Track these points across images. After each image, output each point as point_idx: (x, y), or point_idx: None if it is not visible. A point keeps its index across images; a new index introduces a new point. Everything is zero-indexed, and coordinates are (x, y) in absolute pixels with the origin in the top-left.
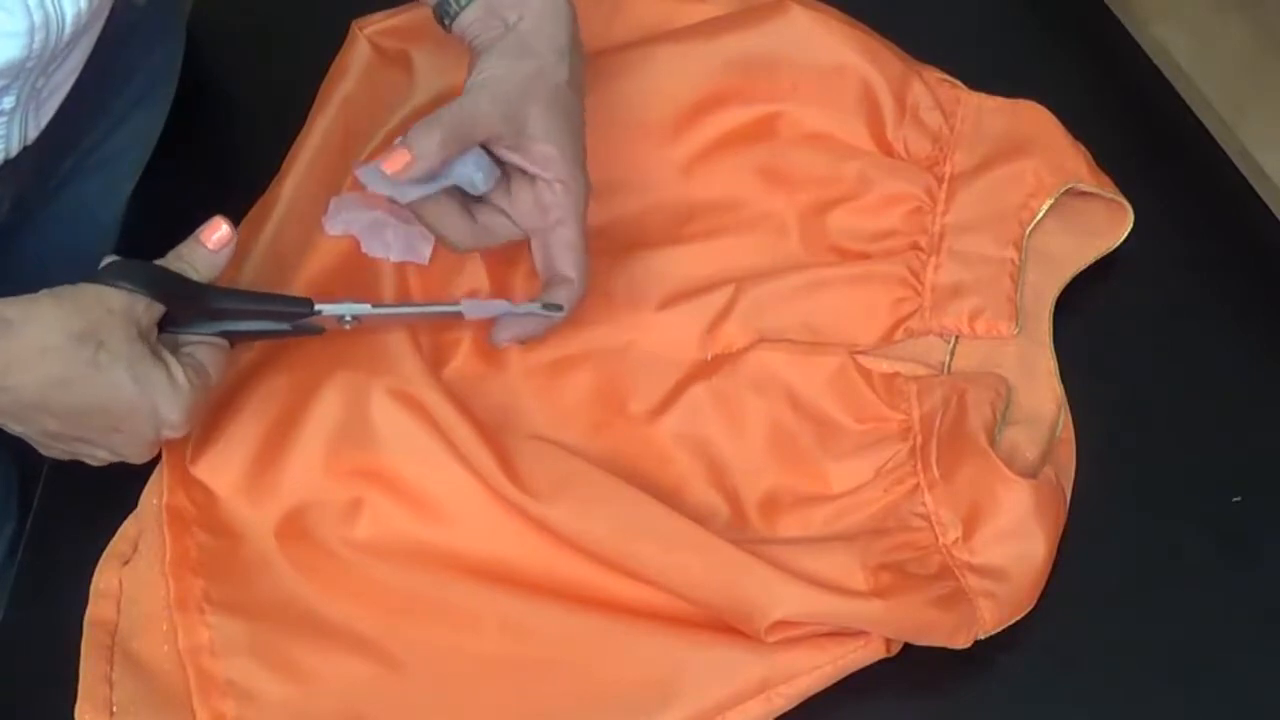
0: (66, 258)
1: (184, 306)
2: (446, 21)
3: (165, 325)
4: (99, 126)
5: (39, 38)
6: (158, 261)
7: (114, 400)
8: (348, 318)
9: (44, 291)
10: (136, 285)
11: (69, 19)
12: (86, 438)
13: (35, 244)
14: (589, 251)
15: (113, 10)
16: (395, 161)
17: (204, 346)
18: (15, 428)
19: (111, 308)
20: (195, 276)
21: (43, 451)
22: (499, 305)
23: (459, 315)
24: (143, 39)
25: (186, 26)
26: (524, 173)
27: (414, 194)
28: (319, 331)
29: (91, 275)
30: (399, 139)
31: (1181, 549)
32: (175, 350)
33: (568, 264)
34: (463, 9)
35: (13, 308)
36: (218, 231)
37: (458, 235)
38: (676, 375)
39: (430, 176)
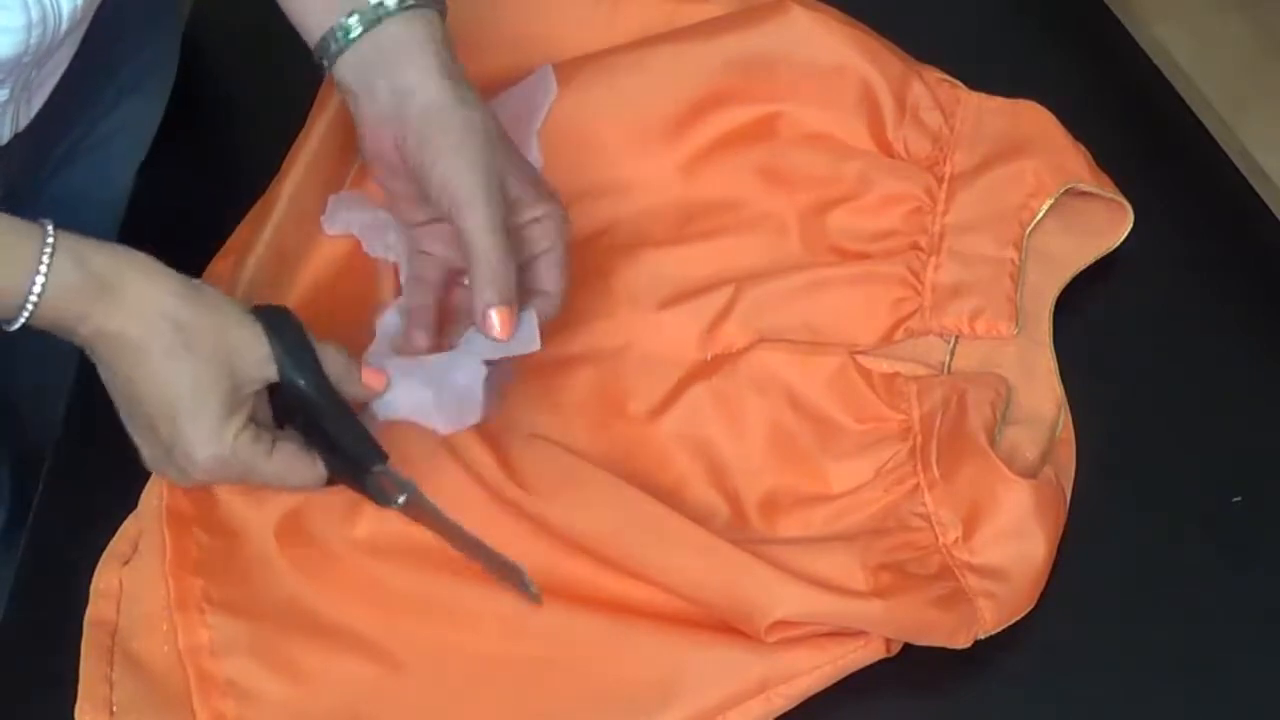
0: None
1: (295, 390)
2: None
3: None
4: (90, 114)
5: (36, 33)
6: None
7: (144, 391)
8: (401, 499)
9: (183, 280)
10: (271, 334)
11: (65, 14)
12: (137, 422)
13: None
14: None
15: (103, 1)
16: (507, 320)
17: (293, 445)
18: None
19: (217, 351)
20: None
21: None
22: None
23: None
24: (133, 28)
25: (186, 27)
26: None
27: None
28: (381, 499)
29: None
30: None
31: (1181, 549)
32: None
33: (550, 280)
34: (334, 60)
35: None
36: (378, 384)
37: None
38: (676, 375)
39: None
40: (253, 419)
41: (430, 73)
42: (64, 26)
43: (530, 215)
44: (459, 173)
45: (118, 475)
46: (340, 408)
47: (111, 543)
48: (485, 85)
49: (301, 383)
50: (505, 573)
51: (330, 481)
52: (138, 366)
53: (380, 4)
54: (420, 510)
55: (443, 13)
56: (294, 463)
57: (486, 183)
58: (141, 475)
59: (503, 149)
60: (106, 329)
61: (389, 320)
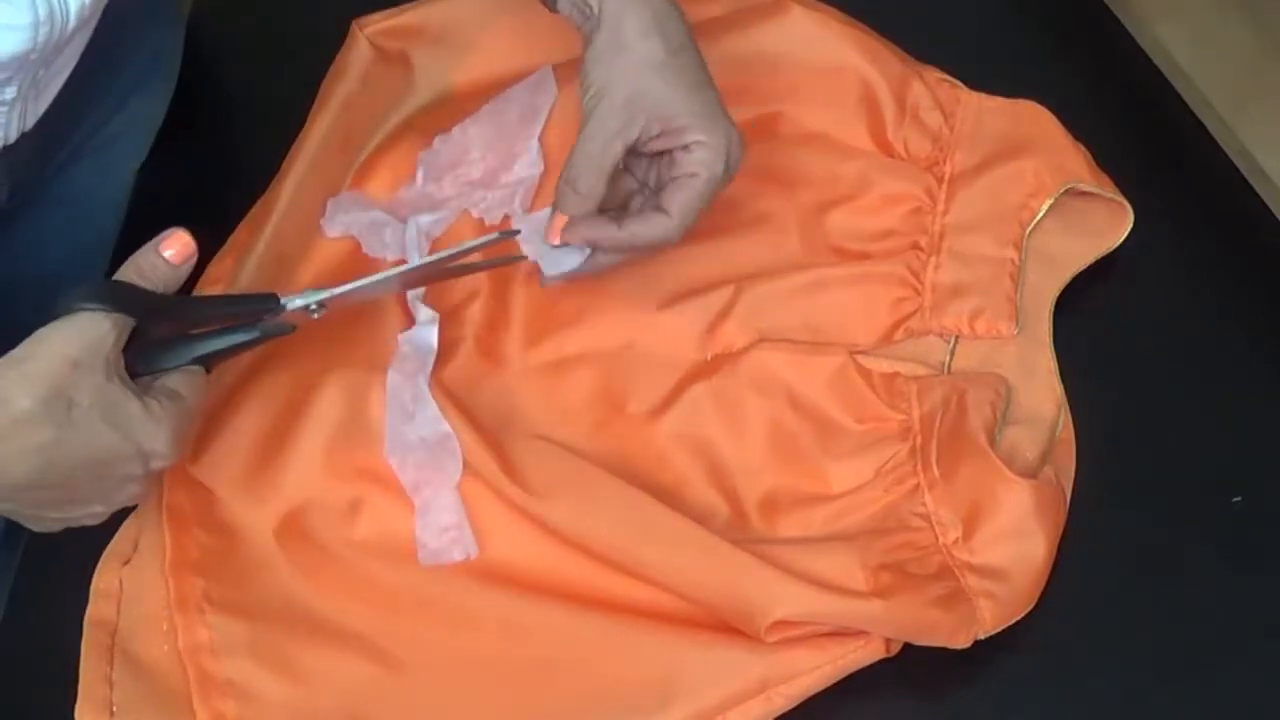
0: (65, 243)
1: (150, 323)
2: (550, 4)
3: (134, 355)
4: (96, 111)
5: (44, 31)
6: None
7: (97, 451)
8: (313, 305)
9: (2, 360)
10: (101, 304)
11: (73, 12)
12: (78, 497)
13: (34, 230)
14: (703, 211)
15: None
16: (556, 225)
17: (176, 374)
18: (3, 506)
19: (73, 357)
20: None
21: (33, 527)
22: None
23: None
24: (138, 24)
25: (187, 27)
26: (667, 151)
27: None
28: (290, 330)
29: (52, 309)
30: (550, 207)
31: (1182, 549)
32: (149, 388)
33: (673, 202)
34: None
35: None
36: (179, 244)
37: (611, 245)
38: (676, 375)
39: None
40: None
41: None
42: (71, 24)
43: (689, 139)
44: (684, 112)
45: None
46: (194, 300)
47: (111, 543)
48: (488, 83)
49: (140, 302)
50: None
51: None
52: (51, 460)
53: None
54: (343, 299)
55: None
56: (195, 383)
57: (609, 102)
58: None
59: (671, 75)
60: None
61: None
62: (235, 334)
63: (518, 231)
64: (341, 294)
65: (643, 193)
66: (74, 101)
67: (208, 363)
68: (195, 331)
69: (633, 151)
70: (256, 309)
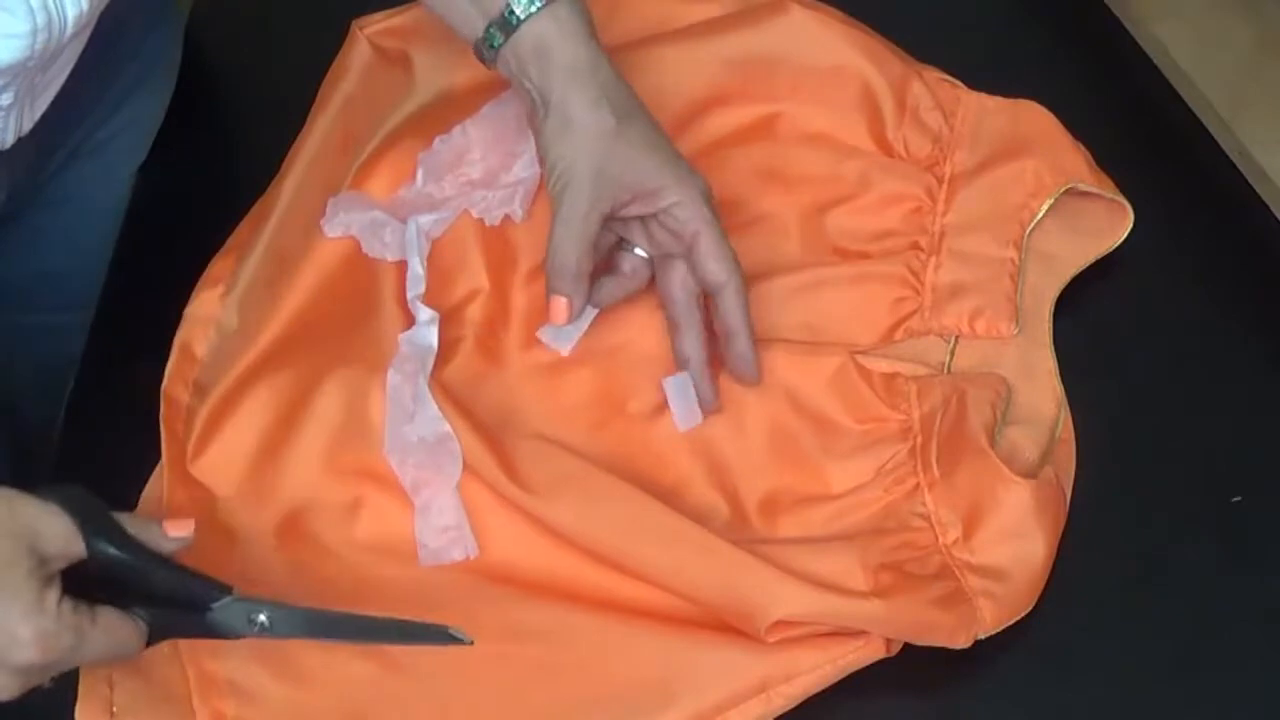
0: (64, 244)
1: (105, 558)
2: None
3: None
4: (93, 114)
5: (41, 39)
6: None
7: None
8: (262, 620)
9: None
10: (67, 509)
11: (70, 20)
12: None
13: (32, 232)
14: (732, 247)
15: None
16: (559, 310)
17: (113, 611)
18: None
19: (12, 528)
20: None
21: None
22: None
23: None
24: (135, 29)
25: (186, 27)
26: (649, 216)
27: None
28: (231, 633)
29: (32, 488)
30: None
31: (1182, 549)
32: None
33: (719, 271)
34: (493, 63)
35: None
36: (184, 530)
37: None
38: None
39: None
40: (66, 593)
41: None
42: (69, 31)
43: (667, 201)
44: (651, 175)
45: (118, 475)
46: (158, 561)
47: None
48: (488, 83)
49: (112, 549)
50: (431, 635)
51: (152, 640)
52: None
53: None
54: (288, 624)
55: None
56: (119, 627)
57: (576, 180)
58: (141, 475)
59: (629, 141)
60: None
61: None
62: (179, 617)
63: None
64: (290, 617)
65: (624, 247)
66: (71, 105)
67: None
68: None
69: (608, 219)
70: (205, 595)
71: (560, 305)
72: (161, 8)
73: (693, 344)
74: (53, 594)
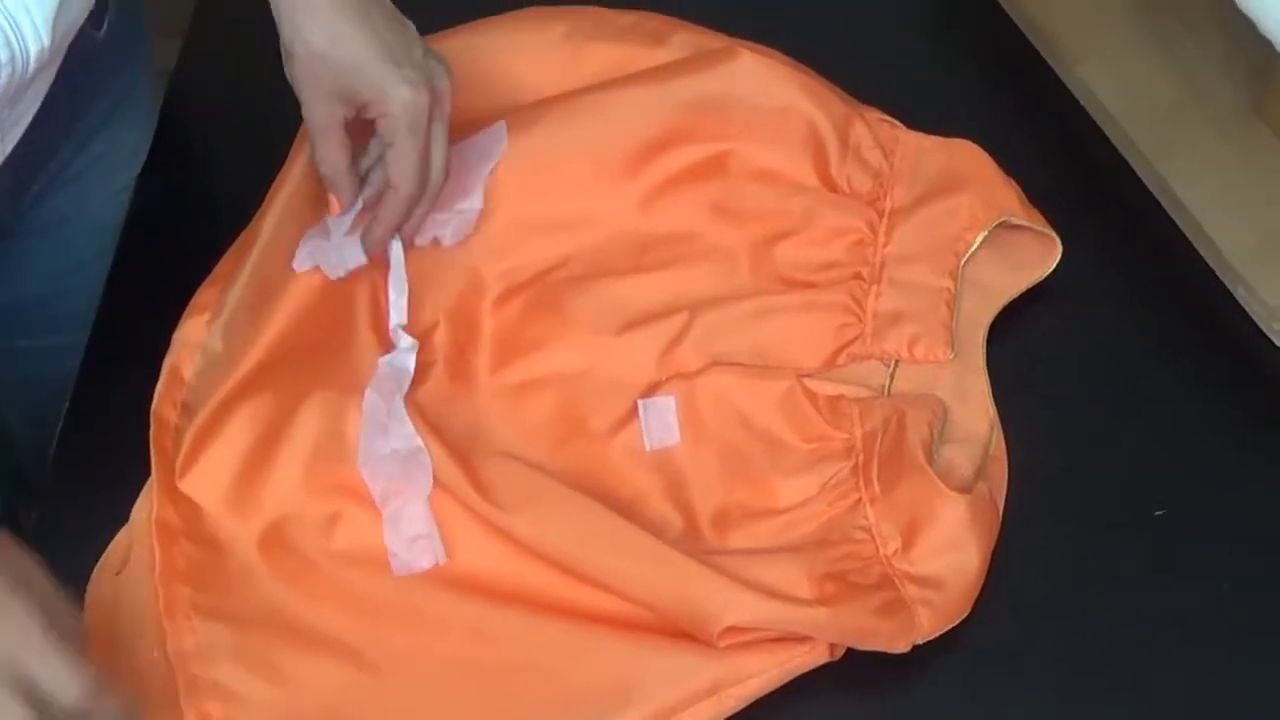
0: (47, 271)
1: None
2: None
3: None
4: (65, 148)
5: (4, 74)
6: None
7: None
8: None
9: None
10: None
11: (33, 55)
12: None
13: (14, 259)
14: (429, 159)
15: (75, 39)
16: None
17: None
18: None
19: None
20: None
21: None
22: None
23: None
24: (106, 63)
25: (177, 60)
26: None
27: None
28: None
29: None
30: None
31: (1107, 558)
32: None
33: (394, 174)
34: None
35: None
36: None
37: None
38: (634, 396)
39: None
40: None
41: None
42: (32, 67)
43: (377, 113)
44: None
45: (110, 492)
46: None
47: (105, 554)
48: (458, 121)
49: None
50: None
51: None
52: None
53: None
54: None
55: None
56: None
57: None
58: (132, 491)
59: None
60: None
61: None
62: None
63: None
64: None
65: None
66: (42, 141)
67: None
68: None
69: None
70: None
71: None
72: (129, 47)
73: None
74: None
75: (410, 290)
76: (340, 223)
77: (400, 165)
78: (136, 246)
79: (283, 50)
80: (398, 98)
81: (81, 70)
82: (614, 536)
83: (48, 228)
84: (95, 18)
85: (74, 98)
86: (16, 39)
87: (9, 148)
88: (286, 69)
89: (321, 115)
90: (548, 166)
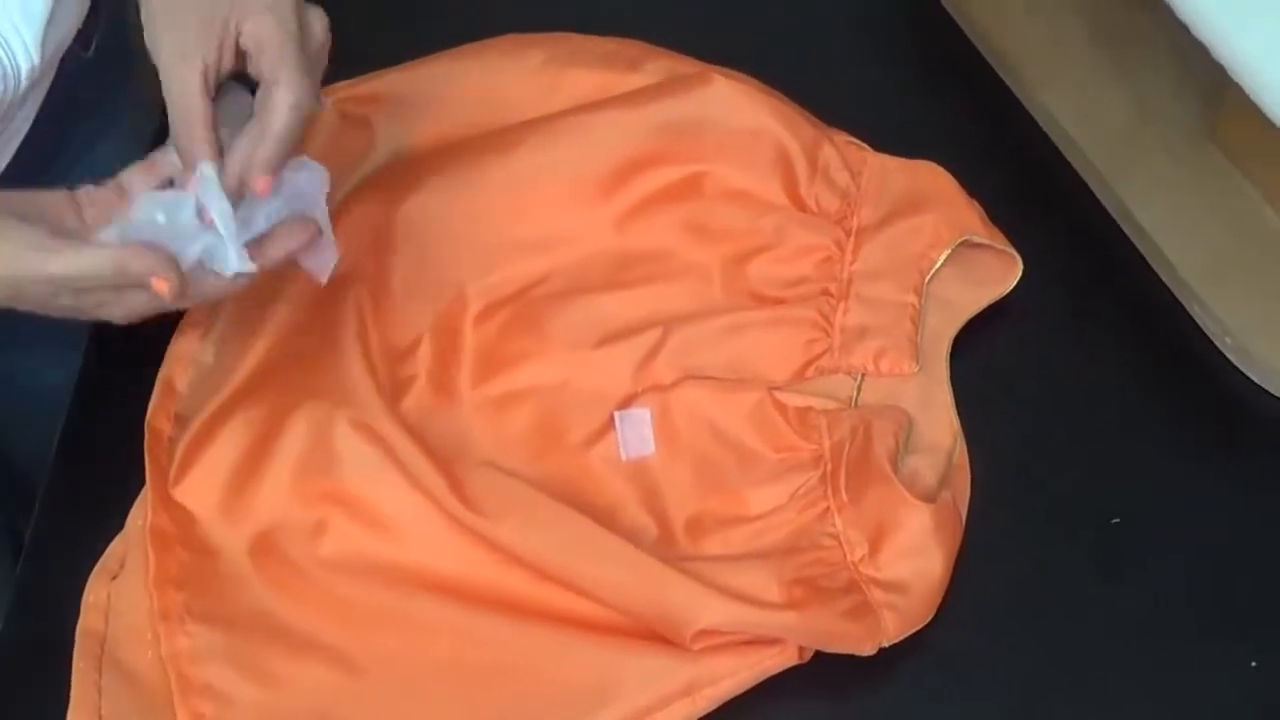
0: None
1: None
2: None
3: None
4: (56, 164)
5: None
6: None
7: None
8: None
9: None
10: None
11: (24, 73)
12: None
13: None
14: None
15: (63, 59)
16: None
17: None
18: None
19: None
20: None
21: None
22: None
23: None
24: (94, 83)
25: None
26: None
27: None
28: None
29: None
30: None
31: (1065, 565)
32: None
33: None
34: None
35: None
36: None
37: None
38: (611, 408)
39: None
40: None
41: None
42: (23, 84)
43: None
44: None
45: (106, 500)
46: None
47: (101, 560)
48: (437, 141)
49: None
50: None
51: None
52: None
53: None
54: None
55: None
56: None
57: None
58: (127, 501)
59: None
60: None
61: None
62: None
63: None
64: None
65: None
66: (32, 157)
67: None
68: None
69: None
70: None
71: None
72: (116, 67)
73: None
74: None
75: (396, 305)
76: (179, 205)
77: (283, 83)
78: None
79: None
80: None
81: (70, 90)
82: (592, 543)
83: None
84: (84, 38)
85: (63, 118)
86: (7, 57)
87: (2, 165)
88: (145, 27)
89: (180, 55)
90: (528, 187)
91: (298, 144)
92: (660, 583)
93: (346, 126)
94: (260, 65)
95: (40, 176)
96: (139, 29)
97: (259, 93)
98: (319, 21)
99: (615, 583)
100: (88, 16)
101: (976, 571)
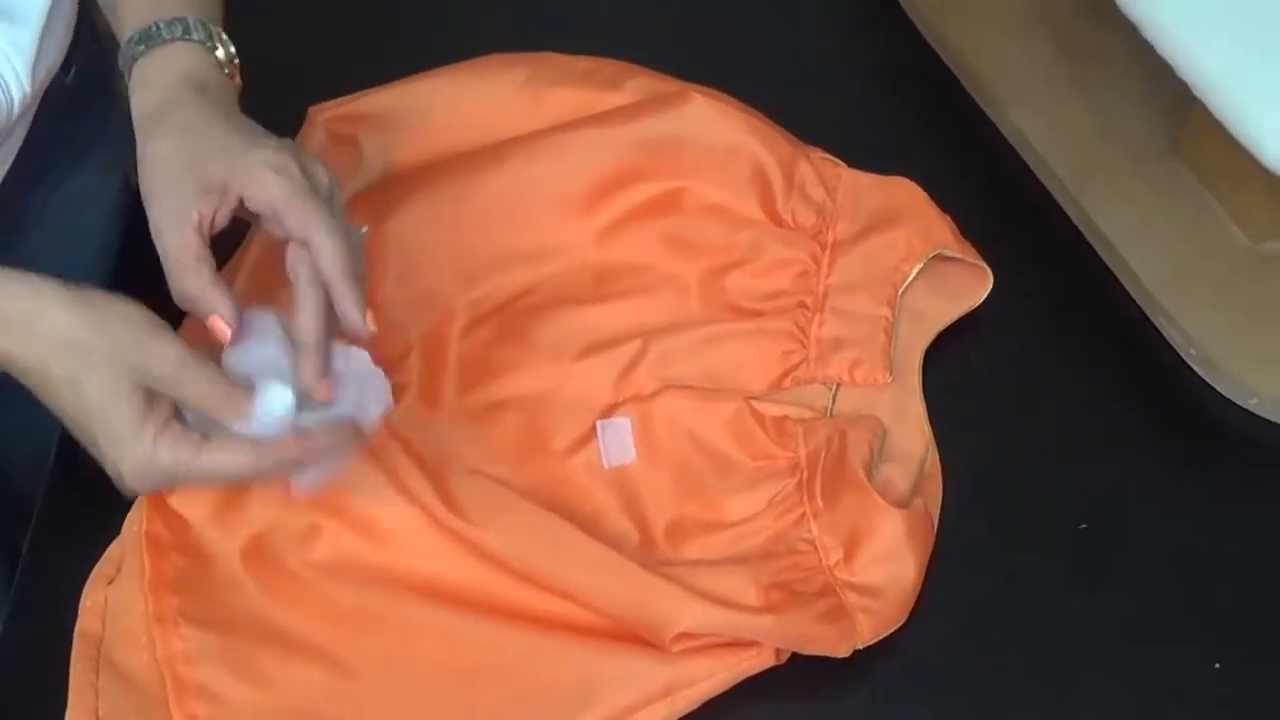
0: None
1: None
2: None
3: None
4: (39, 190)
5: None
6: None
7: (65, 414)
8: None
9: (76, 294)
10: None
11: (17, 102)
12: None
13: None
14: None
15: (48, 88)
16: (218, 328)
17: (224, 439)
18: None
19: (115, 349)
20: None
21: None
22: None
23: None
24: (74, 107)
25: None
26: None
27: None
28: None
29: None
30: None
31: (1035, 570)
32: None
33: (300, 226)
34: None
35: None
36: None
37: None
38: (593, 417)
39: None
40: (177, 418)
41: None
42: (16, 113)
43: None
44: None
45: (102, 507)
46: None
47: (98, 565)
48: (422, 160)
49: None
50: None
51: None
52: (43, 390)
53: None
54: None
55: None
56: (225, 456)
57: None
58: (123, 507)
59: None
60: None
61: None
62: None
63: None
64: None
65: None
66: (18, 184)
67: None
68: None
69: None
70: None
71: (214, 323)
72: (97, 91)
73: (305, 321)
74: (152, 426)
75: (385, 318)
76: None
77: (299, 213)
78: (124, 277)
79: (138, 163)
80: (259, 159)
81: (52, 115)
82: (576, 549)
83: (34, 264)
84: (65, 64)
85: (46, 142)
86: (1, 89)
87: None
88: (141, 186)
89: (176, 215)
90: (512, 202)
91: (362, 277)
92: (641, 587)
93: (334, 145)
94: (286, 225)
95: (20, 206)
96: (114, 51)
97: (290, 251)
98: (319, 167)
99: (598, 587)
100: (71, 45)
101: (949, 577)
